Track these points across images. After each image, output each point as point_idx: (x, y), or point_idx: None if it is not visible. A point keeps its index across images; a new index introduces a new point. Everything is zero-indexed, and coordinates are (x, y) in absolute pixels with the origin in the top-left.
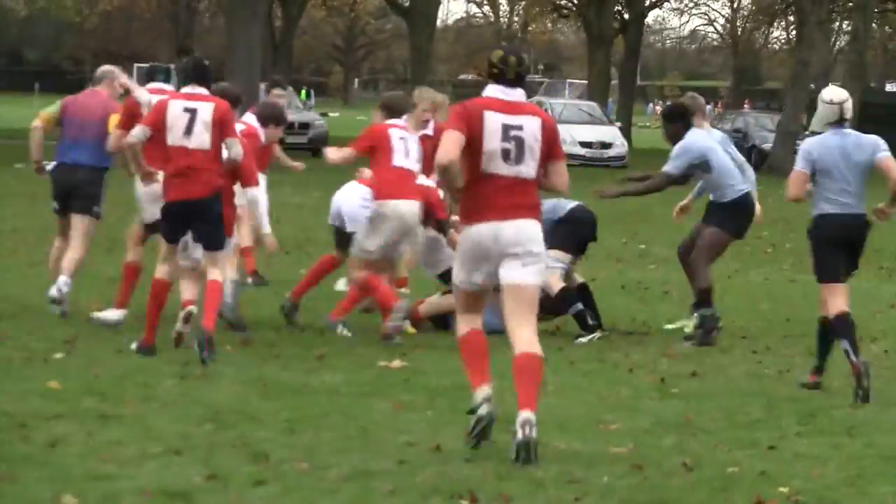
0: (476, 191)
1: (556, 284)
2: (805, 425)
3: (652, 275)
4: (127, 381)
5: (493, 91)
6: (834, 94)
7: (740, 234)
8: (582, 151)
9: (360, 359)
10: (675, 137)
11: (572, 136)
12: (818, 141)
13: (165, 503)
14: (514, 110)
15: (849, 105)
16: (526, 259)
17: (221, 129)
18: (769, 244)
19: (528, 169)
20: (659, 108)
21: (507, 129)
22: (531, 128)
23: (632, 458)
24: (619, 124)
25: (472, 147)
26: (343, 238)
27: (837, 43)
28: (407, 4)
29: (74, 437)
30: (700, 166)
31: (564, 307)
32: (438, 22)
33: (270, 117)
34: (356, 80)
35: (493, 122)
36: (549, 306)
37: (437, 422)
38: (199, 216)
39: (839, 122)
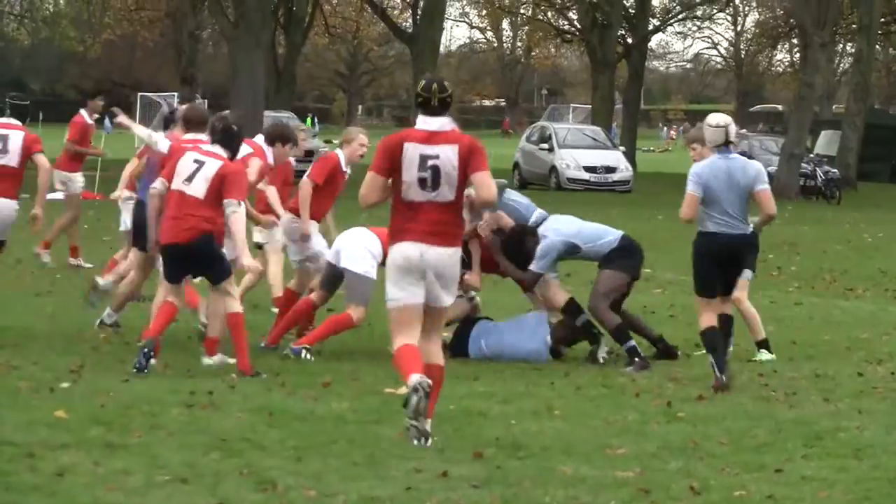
0: (400, 214)
1: (560, 295)
2: (811, 448)
3: (657, 299)
4: (133, 409)
5: (418, 122)
6: (719, 118)
7: (635, 272)
8: (586, 176)
9: (365, 386)
10: (531, 253)
11: (576, 160)
12: (707, 164)
13: None
14: (433, 140)
15: (733, 129)
16: (447, 285)
17: (221, 186)
18: (775, 267)
19: (446, 194)
20: (674, 133)
21: (424, 159)
22: (447, 156)
23: (639, 483)
24: (623, 148)
25: (395, 177)
26: (333, 279)
27: (841, 65)
28: (411, 31)
29: (81, 466)
30: (569, 252)
31: (570, 318)
32: (442, 48)
33: (277, 136)
34: (360, 106)
35: (412, 153)
36: (564, 337)
37: (444, 448)
38: (193, 259)
39: (725, 145)
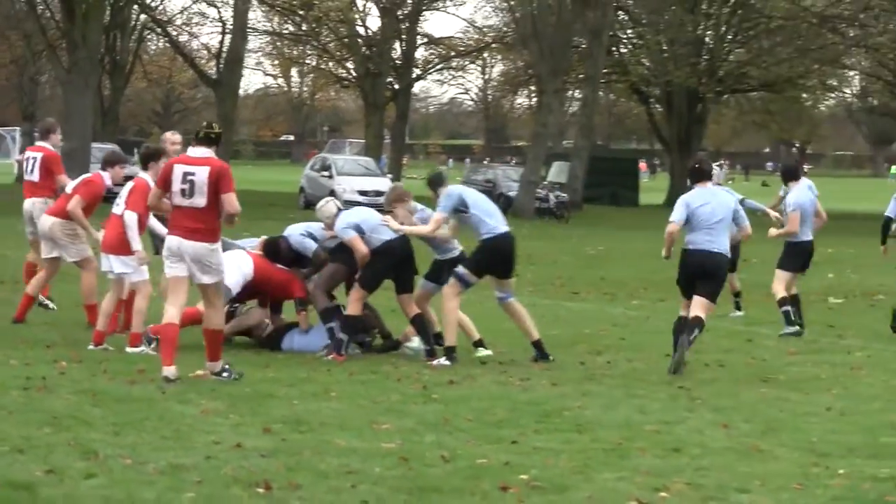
0: (172, 215)
1: (321, 301)
2: (542, 424)
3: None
4: None
5: (188, 151)
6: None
7: (354, 265)
8: (360, 199)
9: None
10: (286, 252)
11: (352, 186)
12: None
13: (10, 494)
14: (193, 163)
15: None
16: (203, 269)
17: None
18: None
19: (199, 201)
20: (469, 163)
21: (185, 175)
22: (201, 174)
23: (399, 452)
24: (390, 175)
25: (169, 189)
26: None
27: (570, 108)
28: (215, 77)
29: None
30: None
31: (324, 321)
32: (241, 91)
33: (110, 160)
34: None
35: (178, 171)
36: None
37: (239, 424)
38: None
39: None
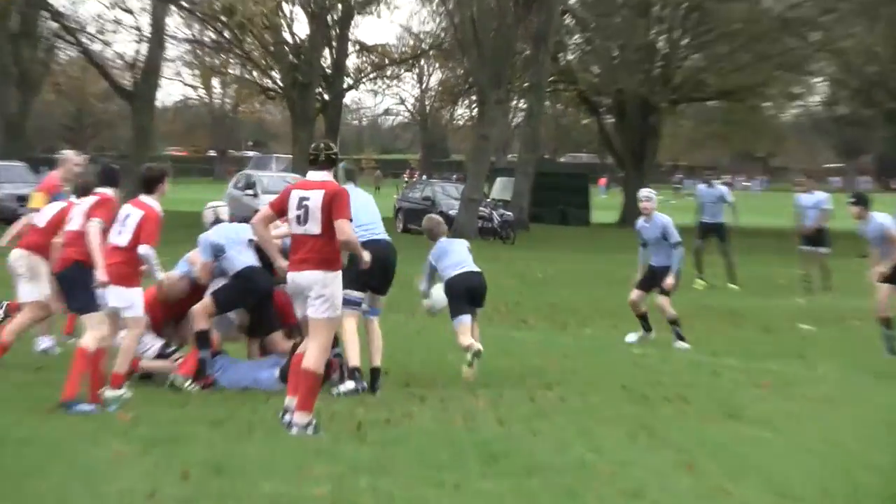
0: (291, 245)
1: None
2: (488, 466)
3: None
4: None
5: (307, 175)
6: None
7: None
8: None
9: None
10: None
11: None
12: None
13: None
14: (309, 186)
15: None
16: (313, 300)
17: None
18: None
19: (313, 228)
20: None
21: (300, 200)
22: (315, 198)
23: (330, 498)
24: None
25: (285, 215)
26: None
27: (515, 119)
28: (130, 88)
29: None
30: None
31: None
32: (158, 103)
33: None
34: (84, 156)
35: (294, 196)
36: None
37: (153, 470)
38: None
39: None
